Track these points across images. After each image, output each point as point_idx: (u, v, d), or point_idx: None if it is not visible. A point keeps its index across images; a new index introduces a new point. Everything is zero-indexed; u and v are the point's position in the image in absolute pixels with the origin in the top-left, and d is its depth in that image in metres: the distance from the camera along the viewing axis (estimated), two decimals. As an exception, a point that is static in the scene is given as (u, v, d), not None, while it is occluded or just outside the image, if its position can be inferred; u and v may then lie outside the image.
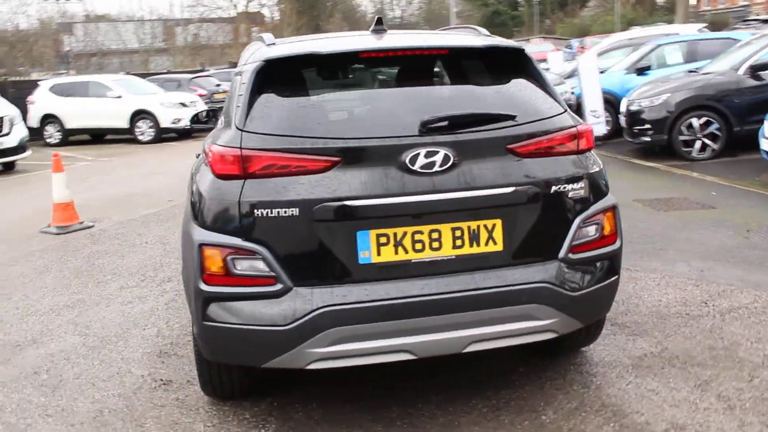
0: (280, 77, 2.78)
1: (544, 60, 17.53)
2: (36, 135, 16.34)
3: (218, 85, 19.51)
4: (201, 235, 2.64)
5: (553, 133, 2.75)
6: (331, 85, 2.85)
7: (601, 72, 11.79)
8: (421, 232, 2.59)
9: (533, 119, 2.74)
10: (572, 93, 10.74)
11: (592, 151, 2.91)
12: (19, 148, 11.44)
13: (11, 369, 3.67)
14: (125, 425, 3.04)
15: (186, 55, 48.21)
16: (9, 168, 11.95)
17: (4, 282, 5.26)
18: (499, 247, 2.65)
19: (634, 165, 9.34)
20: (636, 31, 19.65)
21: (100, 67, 39.37)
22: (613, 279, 2.92)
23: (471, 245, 2.63)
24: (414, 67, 3.00)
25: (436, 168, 2.56)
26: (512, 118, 2.71)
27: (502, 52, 3.01)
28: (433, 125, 2.60)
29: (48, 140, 16.35)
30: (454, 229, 2.61)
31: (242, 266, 2.59)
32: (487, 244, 2.64)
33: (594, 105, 11.16)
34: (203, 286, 2.63)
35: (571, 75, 13.07)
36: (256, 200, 2.55)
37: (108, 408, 3.21)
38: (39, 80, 18.17)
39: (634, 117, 9.56)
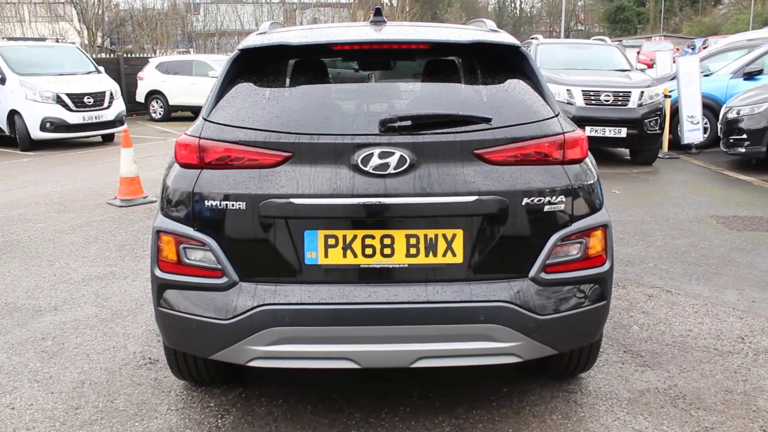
0: (254, 68, 2.72)
1: (651, 63, 16.48)
2: (142, 109, 17.41)
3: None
4: (160, 221, 2.64)
5: (533, 139, 2.50)
6: (301, 77, 2.74)
7: (706, 75, 10.92)
8: (372, 237, 2.44)
9: (511, 123, 2.50)
10: (667, 96, 9.98)
11: (584, 162, 2.63)
12: (117, 122, 12.15)
13: (23, 332, 3.87)
14: (98, 398, 3.12)
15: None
16: (108, 140, 12.73)
17: (55, 249, 5.58)
18: (459, 259, 2.45)
19: (725, 177, 8.58)
20: (764, 32, 18.02)
21: (219, 47, 41.17)
22: (598, 305, 2.63)
23: (427, 255, 2.45)
24: (391, 62, 2.83)
25: (390, 170, 2.40)
26: (486, 120, 2.49)
27: (491, 49, 2.77)
28: (392, 124, 2.43)
29: (152, 115, 17.30)
30: (408, 236, 2.44)
31: (192, 256, 2.56)
32: (444, 255, 2.45)
33: (692, 111, 10.36)
34: (158, 272, 2.64)
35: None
36: (207, 191, 2.50)
37: (90, 380, 3.30)
38: (149, 57, 19.21)
39: (730, 125, 8.77)
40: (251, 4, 46.90)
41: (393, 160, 2.39)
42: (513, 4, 79.21)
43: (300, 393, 3.12)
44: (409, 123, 2.44)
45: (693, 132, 10.42)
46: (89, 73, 12.42)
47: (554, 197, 2.48)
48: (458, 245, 2.45)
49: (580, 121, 8.92)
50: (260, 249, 2.48)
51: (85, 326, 3.95)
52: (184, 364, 2.99)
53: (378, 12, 3.09)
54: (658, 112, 9.13)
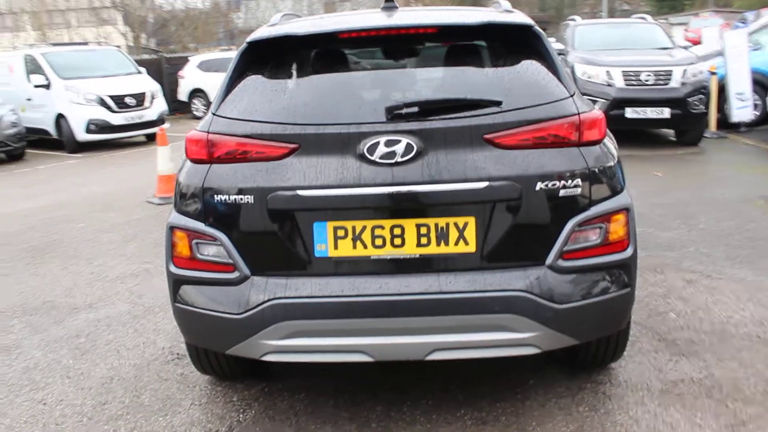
0: (262, 60, 2.69)
1: (698, 40, 15.86)
2: (186, 108, 17.72)
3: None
4: (174, 218, 2.65)
5: (547, 121, 2.40)
6: (308, 67, 2.70)
7: (755, 50, 10.43)
8: (381, 227, 2.39)
9: (523, 106, 2.41)
10: (713, 74, 9.58)
11: (602, 143, 2.51)
12: (159, 121, 12.38)
13: (59, 330, 3.97)
14: (125, 394, 3.17)
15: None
16: (152, 139, 12.97)
17: (93, 248, 5.71)
18: (471, 248, 2.38)
19: (777, 156, 8.19)
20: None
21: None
22: (621, 292, 2.52)
23: (438, 244, 2.38)
24: (400, 48, 2.76)
25: (397, 158, 2.33)
26: (496, 104, 2.40)
27: (503, 30, 2.67)
28: (398, 111, 2.37)
29: (195, 113, 17.58)
30: (419, 226, 2.38)
31: (205, 251, 2.56)
32: (456, 244, 2.38)
33: (741, 87, 9.92)
34: (172, 268, 2.65)
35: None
36: (217, 186, 2.49)
37: (119, 376, 3.36)
38: (189, 56, 19.52)
39: (781, 101, 8.36)
40: (291, 0, 47.31)
41: (400, 148, 2.33)
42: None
43: (322, 387, 3.10)
44: (415, 109, 2.38)
45: (742, 110, 9.98)
46: (130, 74, 12.68)
47: (570, 181, 2.38)
48: (470, 233, 2.37)
49: (621, 103, 8.67)
50: (270, 242, 2.46)
51: (117, 323, 4.03)
52: (205, 358, 3.01)
53: (389, -2, 3.03)
54: (703, 90, 8.77)
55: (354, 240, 2.40)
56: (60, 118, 11.57)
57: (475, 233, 2.37)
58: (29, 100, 11.94)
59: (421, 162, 2.34)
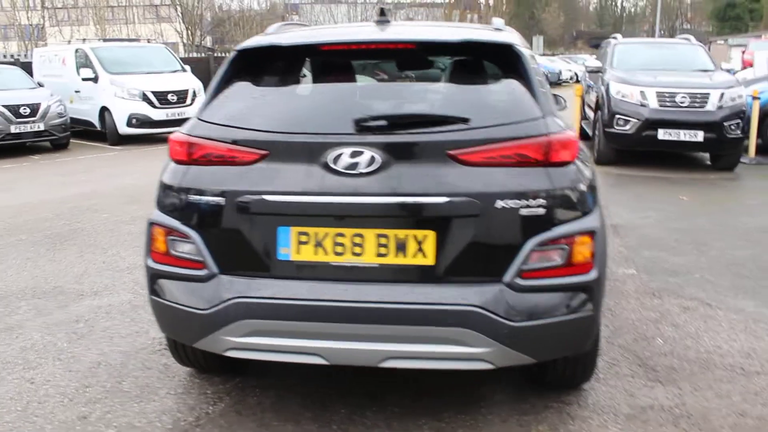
0: (249, 68, 2.79)
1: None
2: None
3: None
4: (154, 214, 2.76)
5: (513, 140, 2.42)
6: (289, 77, 2.78)
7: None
8: (343, 235, 2.45)
9: (491, 124, 2.43)
10: (756, 98, 9.32)
11: (572, 165, 2.51)
12: (199, 119, 12.71)
13: (61, 315, 4.15)
14: (108, 379, 3.30)
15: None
16: (191, 136, 13.35)
17: (111, 237, 5.94)
18: (430, 261, 2.42)
19: (814, 185, 7.92)
20: None
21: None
22: (582, 315, 2.51)
23: (396, 255, 2.43)
24: (380, 62, 2.81)
25: (360, 169, 2.39)
26: (463, 121, 2.43)
27: (483, 48, 2.70)
28: (365, 124, 2.43)
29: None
30: (378, 236, 2.43)
31: (179, 248, 2.66)
32: (415, 256, 2.42)
33: (784, 112, 9.62)
34: (150, 263, 2.76)
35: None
36: (193, 186, 2.60)
37: (107, 362, 3.50)
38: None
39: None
40: (344, 4, 47.82)
41: (363, 160, 2.39)
42: (614, 3, 76.30)
43: (294, 386, 3.17)
44: (382, 123, 2.44)
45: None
46: (175, 71, 13.07)
47: (532, 201, 2.39)
48: (429, 246, 2.41)
49: (653, 124, 8.53)
50: (237, 243, 2.54)
51: (117, 311, 4.19)
52: (182, 350, 3.11)
53: (382, 12, 3.09)
54: (741, 115, 8.53)
55: (316, 246, 2.47)
56: (104, 110, 12.02)
57: (433, 246, 2.41)
58: (78, 92, 12.44)
59: (383, 174, 2.39)
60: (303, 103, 2.64)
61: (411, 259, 2.42)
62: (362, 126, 2.43)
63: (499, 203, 2.37)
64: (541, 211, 2.40)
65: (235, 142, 2.55)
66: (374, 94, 2.68)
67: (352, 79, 2.85)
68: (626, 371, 3.28)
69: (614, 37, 10.99)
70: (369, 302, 2.42)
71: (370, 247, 2.44)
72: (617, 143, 9.00)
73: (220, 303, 2.54)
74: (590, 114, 10.14)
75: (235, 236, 2.54)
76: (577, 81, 25.20)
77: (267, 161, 2.50)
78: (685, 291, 4.40)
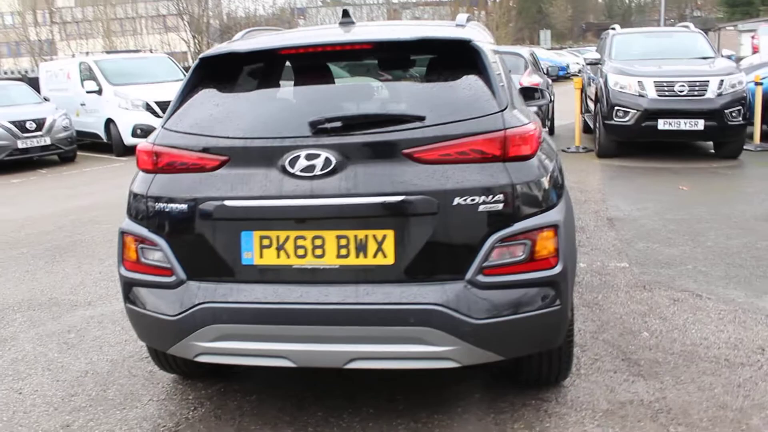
0: (212, 76, 2.81)
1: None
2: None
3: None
4: (125, 223, 2.80)
5: (469, 137, 2.41)
6: (248, 83, 2.80)
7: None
8: (303, 238, 2.46)
9: (447, 121, 2.43)
10: (758, 84, 9.20)
11: (532, 159, 2.50)
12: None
13: (54, 325, 4.21)
14: (94, 387, 3.34)
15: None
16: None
17: (110, 249, 5.99)
18: (390, 260, 2.42)
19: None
20: None
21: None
22: (549, 310, 2.50)
23: (357, 256, 2.43)
24: (338, 64, 2.82)
25: (316, 172, 2.41)
26: (419, 119, 2.44)
27: (438, 45, 2.70)
28: (321, 126, 2.44)
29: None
30: (339, 237, 2.44)
31: (148, 256, 2.69)
32: (375, 256, 2.43)
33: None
34: (122, 271, 2.80)
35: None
36: (159, 194, 2.63)
37: (95, 370, 3.54)
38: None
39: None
40: (351, 6, 47.94)
41: (319, 162, 2.40)
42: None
43: (274, 390, 3.19)
44: (338, 124, 2.44)
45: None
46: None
47: (491, 197, 2.39)
48: (389, 246, 2.41)
49: (653, 114, 8.45)
50: (203, 249, 2.57)
51: (109, 320, 4.24)
52: (162, 356, 3.14)
53: (345, 13, 3.11)
54: (742, 102, 8.42)
55: (278, 249, 2.48)
56: (109, 122, 12.15)
57: (393, 246, 2.41)
58: (83, 105, 12.58)
59: (340, 176, 2.40)
60: (261, 108, 2.66)
61: (371, 259, 2.43)
62: (318, 128, 2.45)
63: (457, 200, 2.37)
64: (501, 206, 2.39)
65: (196, 150, 2.57)
66: (330, 96, 2.69)
67: (309, 82, 2.86)
68: (609, 366, 3.26)
69: (612, 28, 10.91)
70: (331, 304, 2.43)
71: (330, 249, 2.45)
72: (617, 135, 8.93)
73: (188, 309, 2.57)
74: (592, 106, 10.07)
75: (201, 242, 2.57)
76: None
77: (228, 167, 2.53)
78: (676, 282, 4.36)
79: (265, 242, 2.49)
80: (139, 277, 2.73)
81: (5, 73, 16.47)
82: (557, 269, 2.49)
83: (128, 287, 2.80)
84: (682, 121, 8.36)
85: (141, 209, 2.70)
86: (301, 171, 2.42)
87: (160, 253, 2.64)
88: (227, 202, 2.48)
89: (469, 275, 2.42)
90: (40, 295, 4.80)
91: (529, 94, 4.86)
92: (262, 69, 2.84)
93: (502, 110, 2.50)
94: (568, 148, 10.34)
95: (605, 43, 10.41)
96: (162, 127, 2.74)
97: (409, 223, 2.40)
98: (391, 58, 2.85)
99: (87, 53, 14.57)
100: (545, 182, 2.53)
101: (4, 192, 9.54)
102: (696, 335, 3.56)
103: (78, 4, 37.84)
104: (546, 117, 9.92)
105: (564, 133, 11.61)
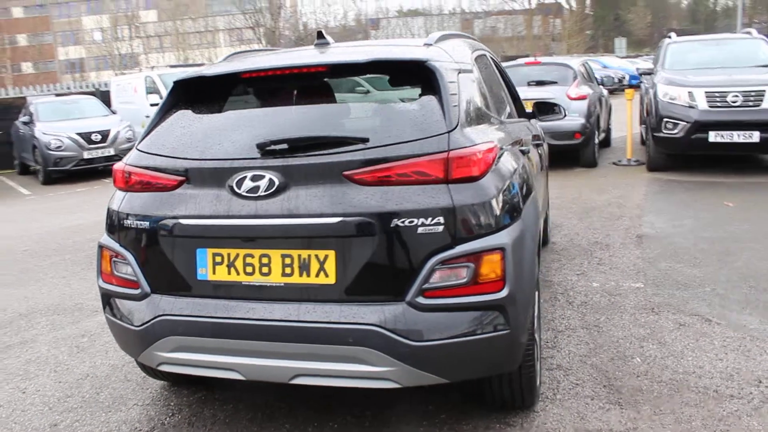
0: (184, 99, 2.95)
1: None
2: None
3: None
4: (103, 238, 2.96)
5: (411, 158, 2.42)
6: (214, 105, 2.90)
7: None
8: (252, 256, 2.53)
9: (390, 143, 2.45)
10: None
11: (478, 181, 2.47)
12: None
13: (71, 329, 4.47)
14: (89, 390, 3.54)
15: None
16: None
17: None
18: (331, 280, 2.46)
19: None
20: None
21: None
22: (494, 334, 2.46)
23: (300, 275, 2.48)
24: (298, 86, 2.88)
25: (261, 192, 2.48)
26: (363, 141, 2.46)
27: (393, 66, 2.72)
28: (267, 148, 2.51)
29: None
30: (284, 256, 2.50)
31: (120, 269, 2.83)
32: (318, 275, 2.47)
33: None
34: (100, 283, 2.96)
35: None
36: (128, 211, 2.77)
37: (94, 374, 3.74)
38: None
39: None
40: (421, 17, 48.20)
41: (263, 183, 2.47)
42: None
43: (252, 400, 3.27)
44: (284, 146, 2.51)
45: None
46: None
47: (430, 219, 2.38)
48: (330, 266, 2.45)
49: (703, 126, 8.08)
50: (164, 264, 2.68)
51: (121, 325, 4.45)
52: (141, 364, 3.28)
53: (320, 35, 3.18)
54: (802, 113, 7.91)
55: (228, 266, 2.57)
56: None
57: (335, 266, 2.44)
58: (147, 117, 13.20)
59: (282, 197, 2.46)
60: (217, 130, 2.75)
61: (314, 278, 2.47)
62: (265, 150, 2.52)
63: (395, 222, 2.37)
64: (441, 228, 2.38)
65: (158, 170, 2.70)
66: (282, 119, 2.75)
67: (268, 104, 2.94)
68: (588, 392, 3.16)
69: (668, 36, 10.49)
70: (275, 321, 2.49)
71: (276, 267, 2.51)
72: (666, 148, 8.58)
73: (150, 320, 2.69)
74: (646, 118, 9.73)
75: (162, 258, 2.68)
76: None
77: (185, 187, 2.64)
78: (688, 306, 4.16)
79: (218, 259, 2.58)
80: (113, 288, 2.88)
81: (83, 87, 17.51)
82: (503, 293, 2.45)
83: (105, 298, 2.95)
84: (735, 133, 7.95)
85: (114, 225, 2.85)
86: (247, 192, 2.50)
87: (129, 267, 2.78)
88: (182, 220, 2.59)
89: (409, 297, 2.42)
90: (67, 300, 5.10)
91: (545, 109, 4.81)
92: (227, 92, 2.94)
93: (449, 131, 2.48)
94: (620, 161, 10.03)
95: (660, 52, 10.04)
96: (136, 148, 2.89)
97: (350, 244, 2.42)
98: (346, 80, 2.89)
99: (152, 67, 15.30)
100: (494, 204, 2.49)
101: (68, 200, 10.17)
102: (691, 363, 3.39)
103: (160, 19, 39.82)
104: (593, 129, 9.65)
105: (621, 145, 11.25)
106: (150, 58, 31.25)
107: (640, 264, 5.07)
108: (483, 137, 2.64)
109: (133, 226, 2.74)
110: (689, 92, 8.24)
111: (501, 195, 2.55)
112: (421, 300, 2.41)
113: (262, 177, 2.48)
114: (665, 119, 8.36)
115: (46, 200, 10.97)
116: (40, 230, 8.13)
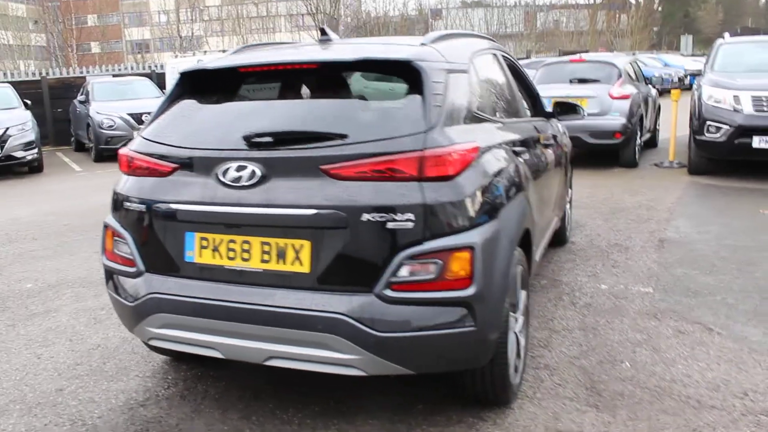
0: (189, 89, 3.10)
1: None
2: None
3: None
4: (108, 217, 3.15)
5: (387, 155, 2.49)
6: (213, 97, 3.02)
7: None
8: (234, 242, 2.67)
9: (368, 139, 2.53)
10: None
11: (452, 180, 2.52)
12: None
13: (93, 302, 4.73)
14: (98, 359, 3.76)
15: (532, 41, 48.98)
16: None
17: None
18: (305, 269, 2.56)
19: None
20: None
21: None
22: (460, 330, 2.53)
23: (278, 262, 2.60)
24: (292, 82, 2.98)
25: (243, 182, 2.60)
26: (341, 137, 2.55)
27: (381, 64, 2.78)
28: (252, 140, 2.64)
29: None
30: (263, 244, 2.62)
31: (120, 248, 3.02)
32: (293, 263, 2.58)
33: None
34: (104, 260, 3.15)
35: None
36: (129, 194, 2.95)
37: (105, 345, 3.97)
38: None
39: None
40: (482, 8, 47.57)
41: (246, 174, 2.60)
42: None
43: (243, 379, 3.42)
44: (267, 139, 2.62)
45: None
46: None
47: (401, 214, 2.45)
48: (305, 255, 2.56)
49: (748, 131, 7.83)
50: (156, 245, 2.85)
51: (139, 300, 4.68)
52: (144, 339, 3.48)
53: (323, 32, 3.28)
54: None
55: (213, 250, 2.71)
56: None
57: (309, 256, 2.55)
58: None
59: (263, 187, 2.58)
60: (211, 121, 2.89)
61: (290, 266, 2.58)
62: (251, 142, 2.64)
63: (366, 216, 2.46)
64: (411, 225, 2.45)
65: (156, 156, 2.86)
66: (271, 112, 2.86)
67: (261, 98, 3.05)
68: (569, 393, 3.18)
69: (722, 36, 10.14)
70: (252, 304, 2.61)
71: (256, 254, 2.63)
72: (707, 152, 8.34)
73: (142, 297, 2.86)
74: (693, 120, 9.46)
75: (155, 239, 2.85)
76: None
77: (178, 174, 2.79)
78: (693, 313, 4.10)
79: (204, 243, 2.73)
80: (114, 266, 3.06)
81: (144, 68, 18.11)
82: (470, 291, 2.51)
83: (108, 274, 3.15)
84: (780, 139, 7.66)
85: (117, 206, 3.03)
86: (231, 181, 2.63)
87: (127, 246, 2.95)
88: (173, 205, 2.75)
89: (377, 289, 2.50)
90: (94, 274, 5.37)
91: (566, 109, 4.80)
92: (226, 85, 3.08)
93: (427, 130, 2.54)
94: (662, 163, 9.80)
95: (711, 52, 9.72)
96: (140, 135, 3.06)
97: (324, 235, 2.53)
98: (337, 77, 2.98)
99: (204, 52, 15.70)
100: (468, 203, 2.55)
101: (114, 179, 10.57)
102: (680, 371, 3.36)
103: (223, 3, 40.68)
104: (635, 129, 9.43)
105: (668, 147, 10.96)
106: (210, 41, 32.03)
107: (654, 268, 5.00)
108: (466, 137, 2.69)
109: (131, 208, 2.91)
110: (735, 96, 7.98)
111: (478, 194, 2.60)
112: (388, 293, 2.49)
113: (245, 168, 2.60)
114: (708, 122, 8.12)
115: (94, 177, 11.48)
116: (83, 206, 8.54)
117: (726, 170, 8.67)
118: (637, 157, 9.70)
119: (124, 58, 43.36)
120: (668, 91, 13.08)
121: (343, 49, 2.99)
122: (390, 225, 2.46)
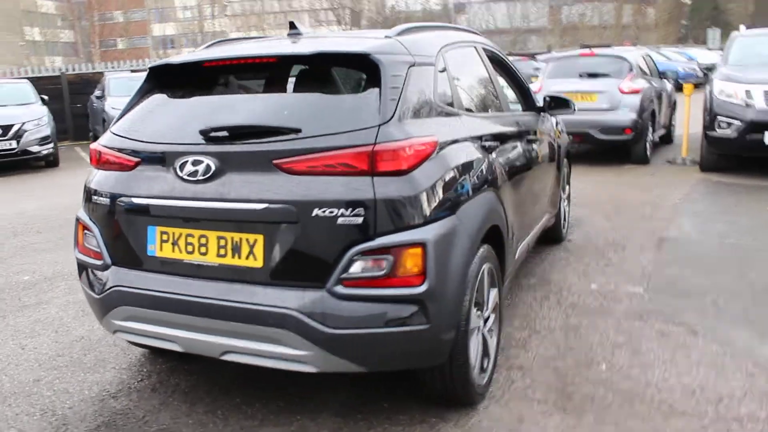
0: (157, 84, 3.12)
1: None
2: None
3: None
4: (79, 211, 3.18)
5: (338, 150, 2.47)
6: (177, 92, 3.03)
7: None
8: (192, 236, 2.67)
9: (321, 134, 2.51)
10: None
11: (406, 175, 2.49)
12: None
13: (82, 295, 4.57)
14: (78, 351, 3.81)
15: (556, 36, 48.46)
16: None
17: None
18: (259, 263, 2.56)
19: None
20: None
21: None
22: (412, 328, 2.50)
23: (233, 256, 2.60)
24: (253, 76, 2.97)
25: (199, 177, 2.60)
26: (294, 131, 2.54)
27: (339, 58, 2.76)
28: (208, 135, 2.63)
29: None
30: (219, 238, 2.62)
31: (89, 241, 3.05)
32: (247, 258, 2.58)
33: None
34: (76, 253, 3.19)
35: None
36: (96, 188, 2.97)
37: (89, 337, 4.02)
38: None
39: None
40: (504, 3, 47.17)
41: (201, 168, 2.60)
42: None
43: (213, 374, 3.43)
44: (223, 134, 2.62)
45: None
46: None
47: (351, 210, 2.43)
48: (259, 250, 2.55)
49: (760, 126, 7.63)
50: (121, 239, 2.87)
51: (129, 293, 4.74)
52: (119, 331, 3.51)
53: (292, 25, 3.26)
54: None
55: (173, 244, 2.72)
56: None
57: (263, 250, 2.55)
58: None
59: (217, 182, 2.58)
60: (173, 116, 2.90)
61: (244, 260, 2.58)
62: (207, 137, 2.64)
63: (316, 211, 2.44)
64: (361, 220, 2.43)
65: (120, 151, 2.88)
66: (230, 107, 2.85)
67: (223, 93, 3.05)
68: (538, 396, 3.13)
69: (738, 29, 9.89)
70: (207, 298, 2.62)
71: (212, 248, 2.64)
72: (718, 148, 8.16)
73: (107, 290, 2.89)
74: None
75: (119, 233, 2.87)
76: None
77: (140, 168, 2.80)
78: (680, 316, 4.01)
79: (164, 237, 2.74)
80: (84, 258, 3.10)
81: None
82: (422, 288, 2.48)
83: (80, 268, 3.18)
84: (794, 135, 7.46)
85: (86, 200, 3.06)
86: (188, 175, 2.63)
87: (95, 239, 2.98)
88: (134, 199, 2.77)
89: (328, 285, 2.49)
90: (90, 266, 5.44)
91: (558, 104, 4.73)
92: (191, 80, 3.08)
93: (381, 124, 2.52)
94: (674, 160, 9.61)
95: (727, 46, 9.49)
96: (109, 130, 3.08)
97: (276, 230, 2.52)
98: (293, 71, 2.97)
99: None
100: (422, 199, 2.51)
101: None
102: (657, 375, 3.29)
103: (246, -1, 41.01)
104: (645, 124, 9.26)
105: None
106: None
107: (648, 268, 4.91)
108: (425, 131, 2.66)
109: (99, 202, 2.94)
110: (747, 90, 7.79)
111: (434, 189, 2.57)
112: (339, 289, 2.48)
113: (201, 162, 2.61)
114: (719, 118, 7.94)
115: (109, 171, 11.64)
116: (92, 199, 8.66)
117: (739, 167, 8.48)
118: (648, 153, 9.53)
119: (149, 54, 43.98)
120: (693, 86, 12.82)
121: (305, 44, 2.98)
122: (341, 220, 2.44)
